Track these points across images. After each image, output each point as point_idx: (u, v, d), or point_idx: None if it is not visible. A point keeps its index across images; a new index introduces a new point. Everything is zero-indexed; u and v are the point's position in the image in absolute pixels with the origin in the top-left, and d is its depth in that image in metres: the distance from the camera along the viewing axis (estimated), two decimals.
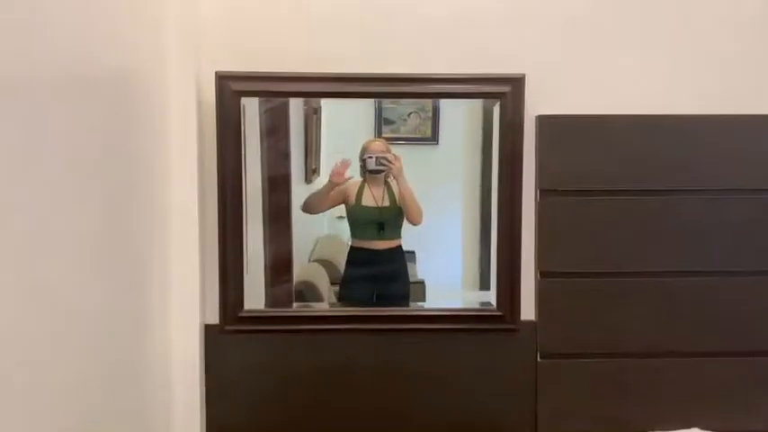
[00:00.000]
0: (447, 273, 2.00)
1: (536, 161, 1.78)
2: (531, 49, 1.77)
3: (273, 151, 1.87)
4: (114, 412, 1.40)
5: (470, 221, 1.93)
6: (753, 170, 1.79)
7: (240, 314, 1.77)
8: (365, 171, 1.92)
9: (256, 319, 1.79)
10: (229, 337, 1.78)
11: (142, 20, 1.58)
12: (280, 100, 1.82)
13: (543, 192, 1.78)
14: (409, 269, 1.95)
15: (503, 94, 1.73)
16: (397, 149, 1.89)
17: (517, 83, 1.73)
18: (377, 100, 1.89)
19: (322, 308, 1.94)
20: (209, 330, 1.78)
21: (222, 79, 1.71)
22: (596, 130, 1.76)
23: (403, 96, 1.80)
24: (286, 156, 1.89)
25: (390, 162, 1.87)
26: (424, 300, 1.94)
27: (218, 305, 1.77)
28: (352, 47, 1.75)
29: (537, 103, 1.76)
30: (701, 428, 1.77)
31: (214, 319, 1.78)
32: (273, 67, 1.72)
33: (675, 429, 1.78)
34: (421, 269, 1.96)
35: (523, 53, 1.76)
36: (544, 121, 1.76)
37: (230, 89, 1.71)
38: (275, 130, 1.85)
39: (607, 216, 1.78)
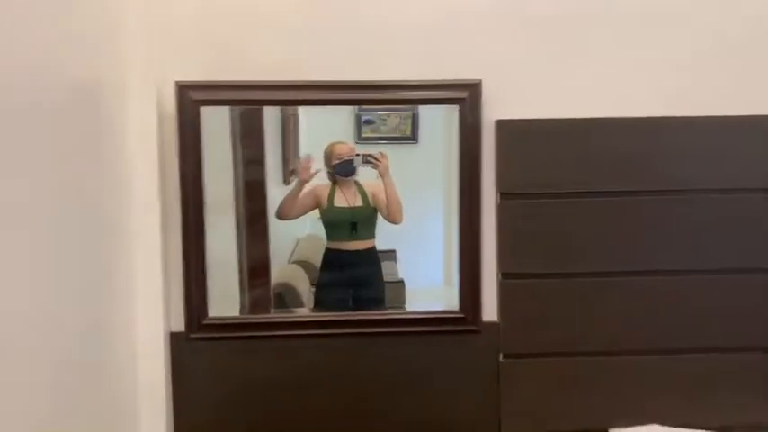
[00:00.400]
0: (428, 271, 2.00)
1: (495, 165, 1.80)
2: (488, 54, 1.78)
3: (248, 153, 1.87)
4: (79, 423, 1.41)
5: (451, 220, 1.94)
6: (713, 170, 1.81)
7: (204, 321, 1.78)
8: (333, 174, 1.92)
9: (221, 326, 1.80)
10: (195, 345, 1.79)
11: (105, 28, 1.59)
12: None
13: (503, 195, 1.80)
14: (390, 268, 1.96)
15: (461, 99, 1.75)
16: (377, 149, 1.89)
17: (474, 88, 1.74)
18: None
19: (292, 314, 1.93)
20: (174, 338, 1.79)
21: (182, 89, 1.71)
22: (555, 133, 1.78)
23: (359, 103, 1.81)
24: (261, 157, 1.89)
25: (377, 160, 1.88)
26: (403, 299, 1.94)
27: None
28: (311, 55, 1.76)
29: (496, 108, 1.77)
30: (661, 424, 1.81)
31: (180, 326, 1.79)
32: (237, 76, 1.73)
33: (636, 426, 1.82)
34: (402, 268, 1.96)
35: (481, 58, 1.78)
36: (503, 126, 1.78)
37: (190, 98, 1.71)
38: (250, 133, 1.85)
39: (566, 218, 1.80)
